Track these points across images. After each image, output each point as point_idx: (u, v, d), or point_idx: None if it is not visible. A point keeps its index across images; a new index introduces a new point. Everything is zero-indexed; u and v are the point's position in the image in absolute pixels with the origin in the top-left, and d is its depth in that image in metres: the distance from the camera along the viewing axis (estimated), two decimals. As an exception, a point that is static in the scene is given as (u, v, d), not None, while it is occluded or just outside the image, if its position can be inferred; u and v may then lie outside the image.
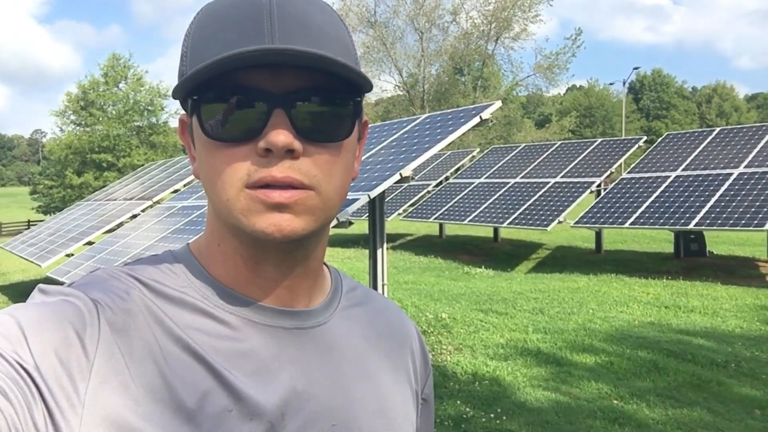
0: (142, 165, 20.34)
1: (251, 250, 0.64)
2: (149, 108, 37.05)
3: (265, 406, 0.61)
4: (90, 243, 9.52)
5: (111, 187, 14.72)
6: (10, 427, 0.48)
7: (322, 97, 0.60)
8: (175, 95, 0.62)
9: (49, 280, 8.45)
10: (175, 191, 10.54)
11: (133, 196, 11.44)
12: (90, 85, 36.06)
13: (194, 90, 0.60)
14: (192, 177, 10.64)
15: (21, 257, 10.75)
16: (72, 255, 9.29)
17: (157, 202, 10.43)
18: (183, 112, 0.67)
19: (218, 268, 0.67)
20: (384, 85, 61.54)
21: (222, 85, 0.58)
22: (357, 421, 0.67)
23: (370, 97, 38.12)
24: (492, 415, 4.40)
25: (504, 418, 4.37)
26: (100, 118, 35.50)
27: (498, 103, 6.09)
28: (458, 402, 4.68)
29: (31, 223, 31.30)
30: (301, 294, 0.69)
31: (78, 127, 36.57)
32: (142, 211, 10.18)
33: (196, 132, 0.63)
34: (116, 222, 10.01)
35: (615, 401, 4.64)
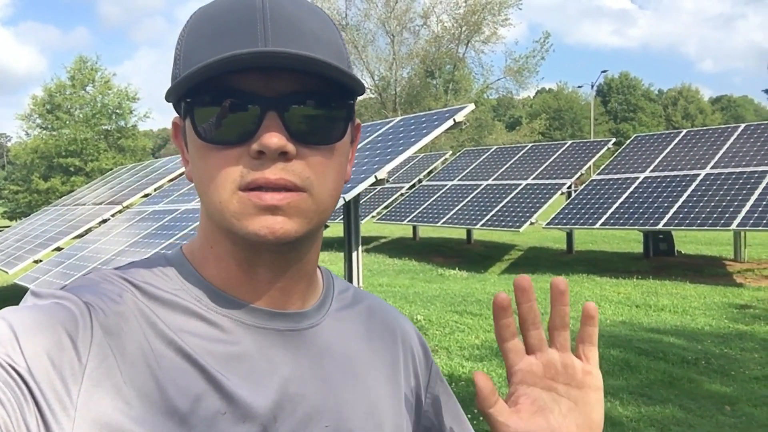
0: (111, 169, 20.07)
1: (244, 253, 0.64)
2: (117, 111, 36.51)
3: (257, 408, 0.61)
4: (59, 249, 9.34)
5: (79, 192, 14.47)
6: (3, 431, 0.48)
7: (315, 99, 0.60)
8: (168, 98, 0.62)
9: (16, 288, 8.28)
10: (146, 195, 10.40)
11: (102, 201, 11.26)
12: (56, 88, 35.42)
13: (187, 93, 0.60)
14: (162, 181, 10.53)
15: (-14, 264, 10.49)
16: (40, 261, 9.10)
17: (127, 207, 10.28)
18: (175, 115, 0.67)
19: (211, 270, 0.66)
20: (356, 88, 61.82)
21: (215, 87, 0.58)
22: (349, 422, 0.67)
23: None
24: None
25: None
26: (67, 122, 34.89)
27: (471, 106, 6.13)
28: (435, 403, 4.70)
29: (-5, 229, 30.57)
30: (295, 296, 0.69)
31: (44, 131, 35.86)
32: (112, 215, 10.03)
33: (189, 135, 0.63)
34: (85, 227, 9.83)
35: (589, 400, 4.69)
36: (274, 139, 0.57)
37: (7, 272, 9.20)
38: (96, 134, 35.74)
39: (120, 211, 10.15)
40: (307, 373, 0.66)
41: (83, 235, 9.59)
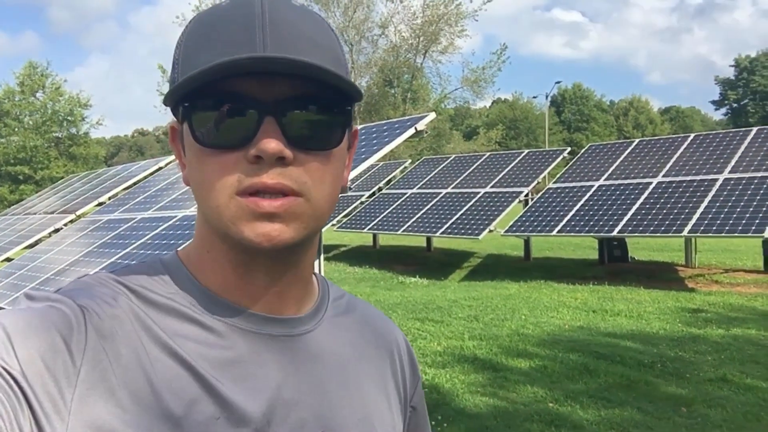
0: (62, 177, 19.56)
1: (241, 257, 0.64)
2: (69, 118, 35.70)
3: (251, 413, 0.61)
4: (9, 259, 9.05)
5: (29, 201, 14.05)
6: None
7: (313, 105, 0.61)
8: (166, 102, 0.62)
9: (-37, 300, 7.97)
10: (100, 204, 10.16)
11: (54, 210, 10.96)
12: (5, 94, 34.43)
13: (186, 97, 0.60)
14: (117, 189, 10.30)
15: (-70, 276, 10.08)
16: (-12, 272, 8.78)
17: (80, 216, 10.02)
18: (173, 119, 0.67)
19: (207, 275, 0.66)
20: (314, 97, 61.67)
21: (214, 92, 0.59)
22: (343, 428, 0.67)
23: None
24: (433, 423, 4.43)
25: (445, 425, 4.41)
26: (16, 129, 33.92)
27: (432, 115, 6.19)
28: (399, 411, 4.69)
29: (-61, 240, 29.46)
30: (290, 301, 0.69)
31: (-9, 138, 34.77)
32: (65, 225, 9.76)
33: (186, 139, 0.63)
34: (37, 237, 9.55)
35: (550, 404, 4.77)
36: (271, 144, 0.57)
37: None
38: (46, 142, 34.86)
39: (73, 221, 9.89)
40: (302, 378, 0.66)
41: (34, 245, 9.31)
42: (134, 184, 10.17)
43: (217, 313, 0.64)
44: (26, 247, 9.32)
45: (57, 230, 9.59)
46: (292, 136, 0.59)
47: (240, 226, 0.59)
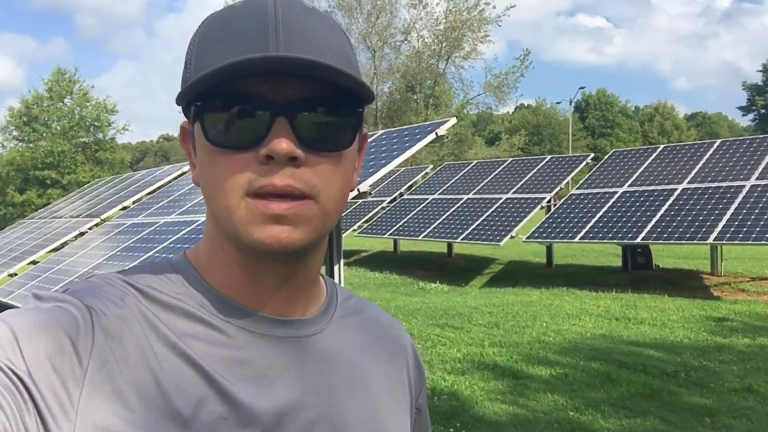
0: (88, 182, 19.88)
1: (249, 259, 0.64)
2: (95, 124, 36.26)
3: (260, 414, 0.61)
4: (34, 262, 9.20)
5: (55, 205, 14.28)
6: None
7: (325, 106, 0.61)
8: (178, 101, 0.62)
9: (-10, 301, 8.11)
10: (124, 208, 10.29)
11: (79, 214, 11.12)
12: (33, 100, 35.10)
13: (198, 96, 0.60)
14: (141, 194, 10.43)
15: (-41, 278, 10.29)
16: (15, 275, 8.94)
17: (105, 220, 10.16)
18: (184, 119, 0.67)
19: (215, 276, 0.66)
20: (336, 102, 61.87)
21: (226, 92, 0.59)
22: (352, 429, 0.67)
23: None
24: (451, 430, 4.41)
25: (463, 431, 4.38)
26: (44, 134, 34.56)
27: (453, 120, 6.18)
28: (417, 417, 4.67)
29: (-32, 243, 30.05)
30: (298, 303, 0.69)
31: (21, 143, 35.46)
32: (89, 228, 9.90)
33: (198, 138, 0.63)
34: (62, 240, 9.69)
35: (571, 413, 4.71)
36: (283, 144, 0.57)
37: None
38: (73, 147, 35.43)
39: (98, 224, 10.02)
40: (310, 380, 0.66)
41: (60, 248, 9.45)
42: (158, 188, 10.29)
43: (225, 314, 0.64)
44: (51, 250, 9.46)
45: (82, 234, 9.73)
46: (303, 137, 0.59)
47: (249, 228, 0.59)
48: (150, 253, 6.51)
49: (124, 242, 7.67)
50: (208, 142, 0.61)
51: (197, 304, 0.64)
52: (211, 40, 0.61)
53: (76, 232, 9.83)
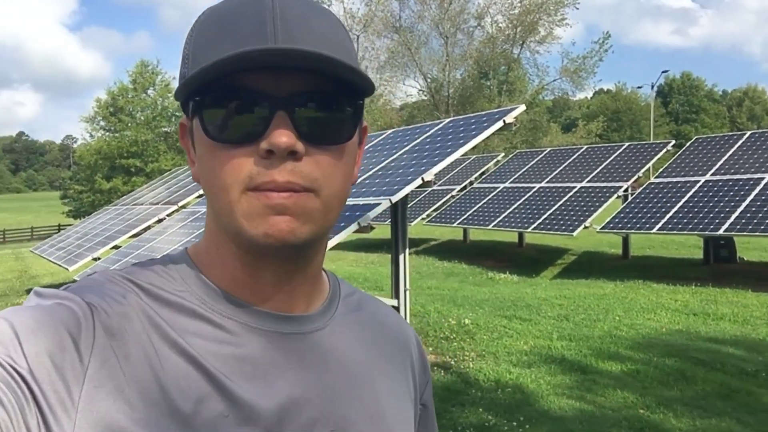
0: (170, 170, 20.68)
1: (250, 255, 0.63)
2: (177, 114, 37.54)
3: (261, 411, 0.60)
4: (116, 247, 9.66)
5: (138, 192, 14.93)
6: None
7: (325, 99, 0.60)
8: (177, 97, 0.62)
9: (76, 284, 8.57)
10: (200, 195, 10.63)
11: (159, 201, 11.58)
12: (119, 92, 36.72)
13: (197, 91, 0.60)
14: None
15: (50, 261, 10.93)
16: (99, 259, 9.42)
17: (183, 207, 10.53)
18: (183, 116, 0.67)
19: (216, 272, 0.66)
20: (408, 90, 61.54)
21: (225, 86, 0.58)
22: (354, 426, 0.66)
23: (394, 102, 38.19)
24: (514, 423, 4.34)
25: (527, 426, 4.31)
26: (129, 124, 36.10)
27: (522, 107, 6.04)
28: (480, 409, 4.63)
29: (61, 227, 31.88)
30: (300, 299, 0.68)
31: (107, 133, 37.24)
32: (168, 215, 10.29)
33: (197, 134, 0.62)
34: (142, 226, 10.13)
35: (641, 410, 4.55)
36: (283, 138, 0.56)
37: (67, 269, 9.55)
38: (156, 136, 36.85)
39: (176, 211, 10.41)
40: (312, 376, 0.65)
41: (140, 234, 9.88)
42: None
43: (226, 310, 0.64)
44: (132, 236, 9.90)
45: (161, 220, 10.13)
46: (303, 131, 0.58)
47: (251, 221, 0.58)
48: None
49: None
50: (208, 138, 0.60)
51: (198, 301, 0.64)
52: (208, 33, 0.60)
53: (155, 219, 10.24)
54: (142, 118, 36.62)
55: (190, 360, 0.59)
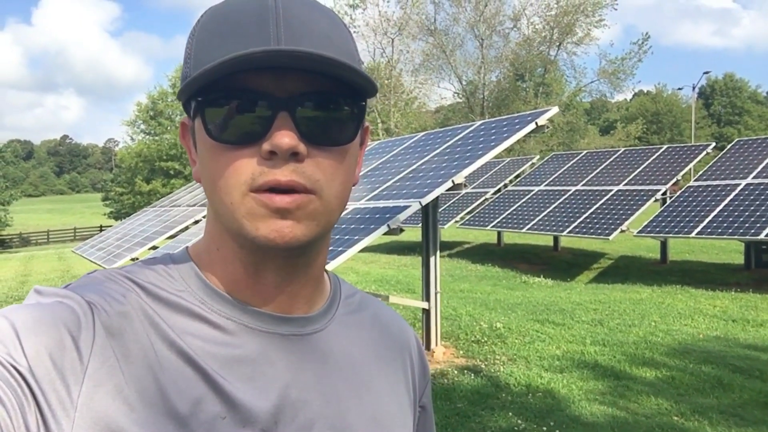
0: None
1: (251, 256, 0.63)
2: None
3: (258, 412, 0.60)
4: (154, 248, 9.83)
5: (177, 194, 15.18)
6: (3, 430, 0.48)
7: (327, 100, 0.60)
8: (179, 97, 0.62)
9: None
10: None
11: (196, 203, 11.76)
12: (159, 96, 37.40)
13: (199, 92, 0.60)
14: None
15: (90, 261, 11.20)
16: (137, 259, 9.60)
17: (219, 209, 10.66)
18: (185, 116, 0.67)
19: (217, 272, 0.66)
20: (443, 93, 61.31)
21: (227, 87, 0.58)
22: (353, 428, 0.66)
23: (429, 105, 38.11)
24: (545, 428, 4.29)
25: (557, 431, 4.25)
26: (169, 127, 36.72)
27: (554, 109, 5.98)
28: (510, 414, 4.59)
29: (102, 228, 32.62)
30: (300, 300, 0.68)
31: (147, 136, 37.94)
32: (204, 217, 10.45)
33: (199, 134, 0.63)
34: (179, 227, 10.30)
35: (675, 418, 4.45)
36: (285, 139, 0.57)
37: (106, 269, 9.76)
38: (194, 139, 37.36)
39: (212, 213, 10.54)
40: (311, 378, 0.65)
41: (177, 235, 10.05)
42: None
43: (226, 311, 0.64)
44: (169, 237, 10.08)
45: (197, 222, 10.29)
46: (306, 132, 0.58)
47: (254, 223, 0.59)
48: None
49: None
50: (210, 138, 0.60)
51: (198, 300, 0.64)
52: (210, 34, 0.60)
53: (192, 220, 10.40)
54: (181, 121, 37.25)
55: (188, 361, 0.59)
